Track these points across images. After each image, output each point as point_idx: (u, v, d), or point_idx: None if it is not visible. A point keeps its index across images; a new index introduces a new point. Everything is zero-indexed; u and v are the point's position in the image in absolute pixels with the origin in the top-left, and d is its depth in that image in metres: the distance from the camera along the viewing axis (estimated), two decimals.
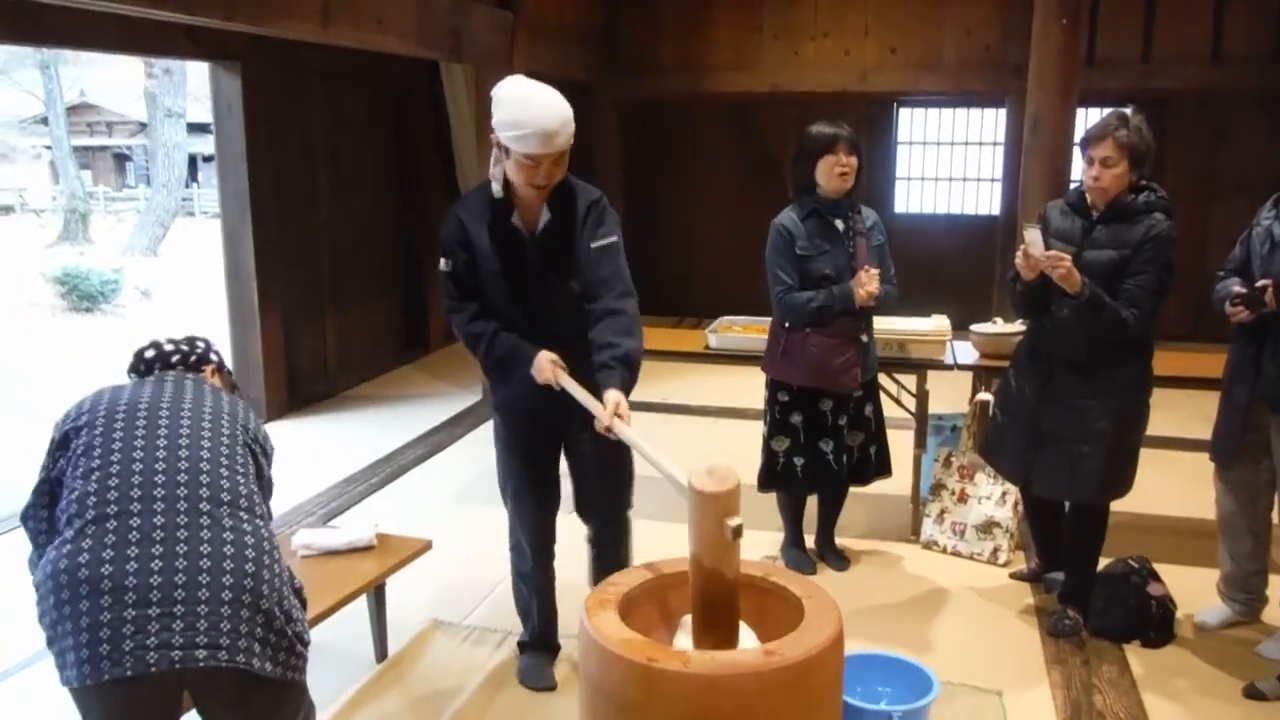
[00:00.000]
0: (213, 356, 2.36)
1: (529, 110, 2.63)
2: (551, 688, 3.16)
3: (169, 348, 2.30)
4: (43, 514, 2.08)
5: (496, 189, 2.79)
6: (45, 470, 2.09)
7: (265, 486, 2.23)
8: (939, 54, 7.87)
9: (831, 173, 3.62)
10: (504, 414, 3.04)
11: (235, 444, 2.13)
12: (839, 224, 3.69)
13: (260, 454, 2.22)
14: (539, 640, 3.24)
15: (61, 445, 2.08)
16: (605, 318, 2.78)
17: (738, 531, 2.02)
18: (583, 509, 3.12)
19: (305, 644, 2.09)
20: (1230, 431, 3.32)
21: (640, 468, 2.75)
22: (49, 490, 2.08)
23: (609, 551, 3.13)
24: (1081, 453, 3.29)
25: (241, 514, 2.04)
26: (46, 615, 1.91)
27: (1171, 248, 3.19)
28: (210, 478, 2.03)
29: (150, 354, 2.29)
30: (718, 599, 2.13)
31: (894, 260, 3.86)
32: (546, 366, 2.75)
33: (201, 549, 1.94)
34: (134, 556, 1.90)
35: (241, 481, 2.09)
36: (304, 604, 2.15)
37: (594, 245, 2.83)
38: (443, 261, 2.86)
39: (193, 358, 2.31)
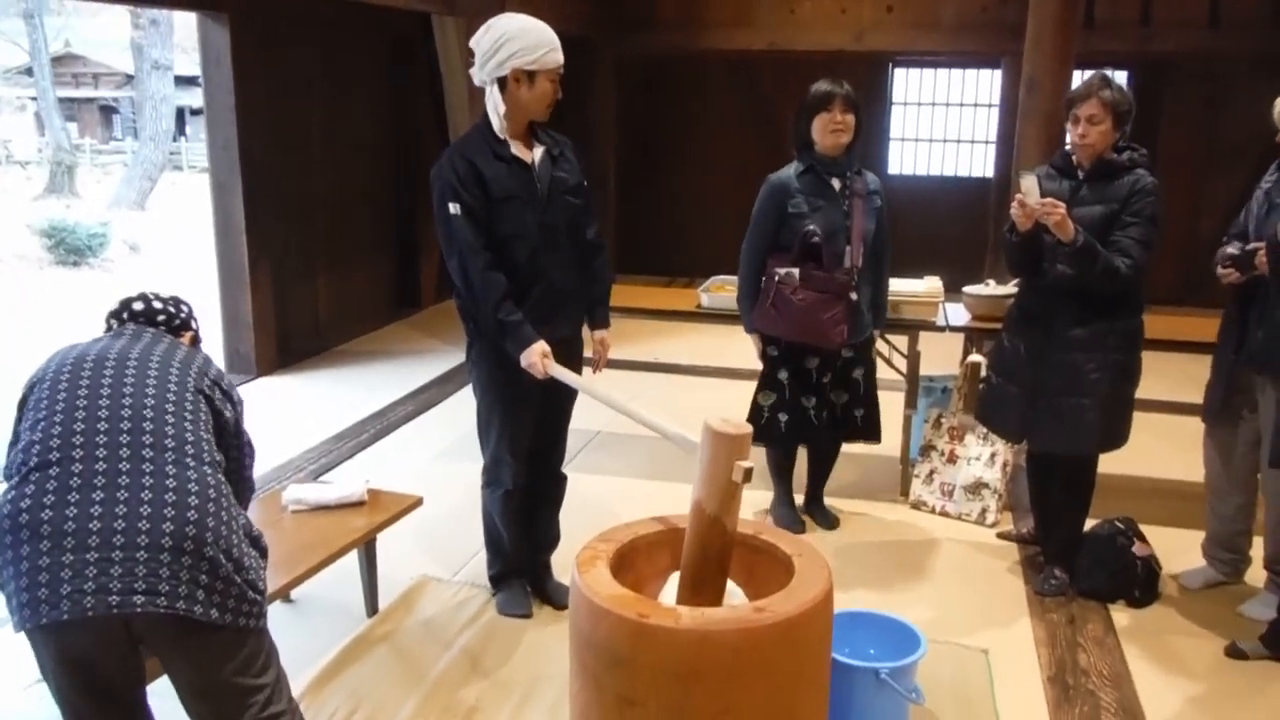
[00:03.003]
0: (193, 324, 2.36)
1: (541, 31, 2.93)
2: (528, 615, 3.32)
3: (157, 305, 2.29)
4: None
5: (499, 126, 2.99)
6: (14, 430, 2.10)
7: (230, 434, 2.21)
8: (936, 14, 7.79)
9: (826, 129, 3.60)
10: (498, 362, 3.07)
11: (184, 390, 2.11)
12: (835, 183, 3.67)
13: (221, 399, 2.19)
14: (514, 569, 3.38)
15: (22, 404, 2.10)
16: (596, 251, 3.26)
17: (748, 475, 2.05)
18: (554, 450, 3.37)
19: (259, 591, 2.06)
20: (1217, 392, 3.37)
21: (621, 426, 2.76)
22: (15, 441, 2.07)
23: (557, 498, 3.44)
24: (1080, 405, 3.33)
25: (187, 460, 2.02)
26: None
27: (1157, 200, 3.25)
28: (154, 424, 2.02)
29: (138, 305, 2.28)
30: (712, 553, 2.14)
31: (889, 224, 3.84)
32: (538, 359, 2.92)
33: (142, 495, 1.94)
34: (74, 502, 1.91)
35: (189, 428, 2.07)
36: (264, 553, 2.14)
37: (585, 182, 3.20)
38: (451, 206, 2.96)
39: (176, 321, 2.30)
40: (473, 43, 2.97)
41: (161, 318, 2.28)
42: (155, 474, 1.97)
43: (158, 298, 2.32)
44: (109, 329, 2.27)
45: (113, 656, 1.99)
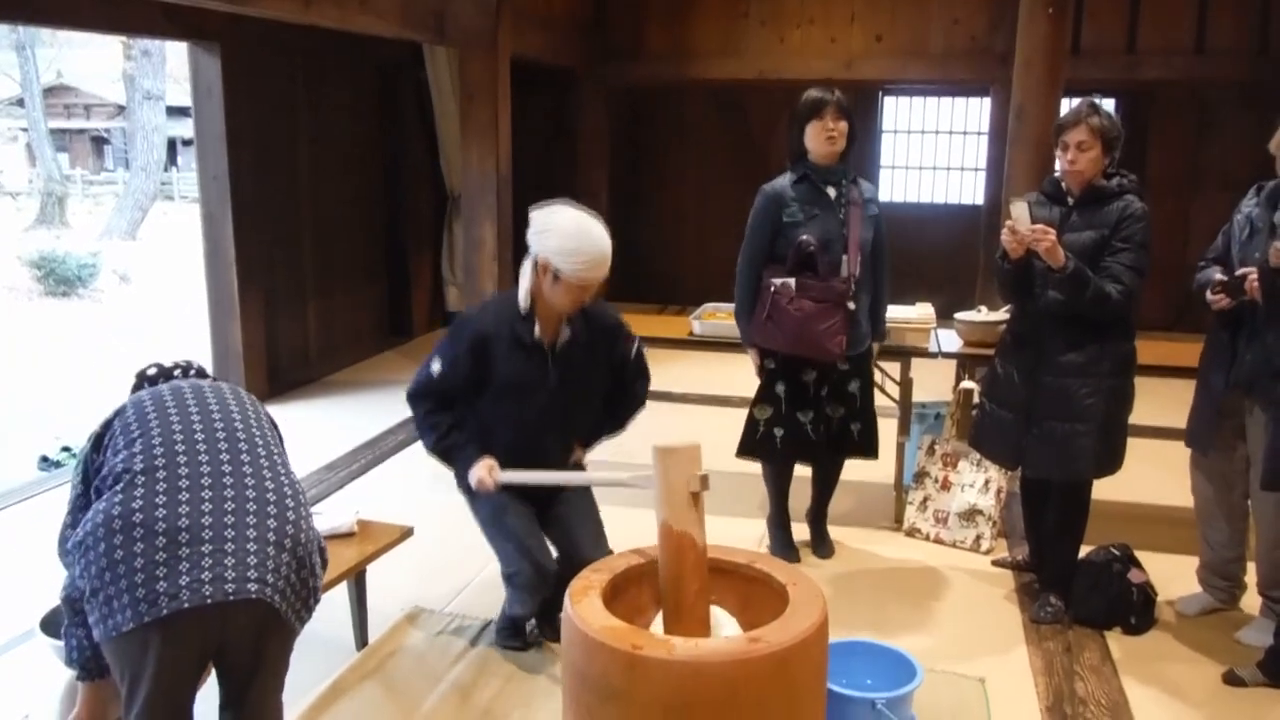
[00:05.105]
0: (207, 374, 2.52)
1: (589, 238, 2.82)
2: (522, 648, 3.27)
3: (169, 364, 2.46)
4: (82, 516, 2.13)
5: (524, 304, 2.93)
6: (82, 478, 2.18)
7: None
8: (925, 42, 7.86)
9: (819, 137, 3.59)
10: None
11: (259, 412, 2.33)
12: (830, 191, 3.65)
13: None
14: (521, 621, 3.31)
15: (95, 448, 2.18)
16: (629, 400, 3.21)
17: (705, 482, 2.12)
18: (579, 550, 3.06)
19: (317, 600, 2.19)
20: (1206, 418, 3.35)
21: (610, 458, 2.79)
22: (86, 493, 2.15)
23: None
24: (1074, 431, 3.33)
25: (278, 468, 2.20)
26: (94, 564, 1.96)
27: (1147, 226, 3.26)
28: (245, 433, 2.19)
29: (153, 371, 2.43)
30: (688, 570, 2.13)
31: (887, 232, 3.82)
32: (484, 474, 2.90)
33: (247, 494, 2.08)
34: (184, 500, 2.02)
35: (272, 442, 2.26)
36: (325, 564, 2.26)
37: (633, 355, 3.15)
38: (435, 363, 2.96)
39: (191, 371, 2.47)
40: (533, 210, 2.90)
41: (178, 371, 2.44)
42: (255, 476, 2.12)
43: (166, 360, 2.48)
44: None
45: (197, 664, 2.07)
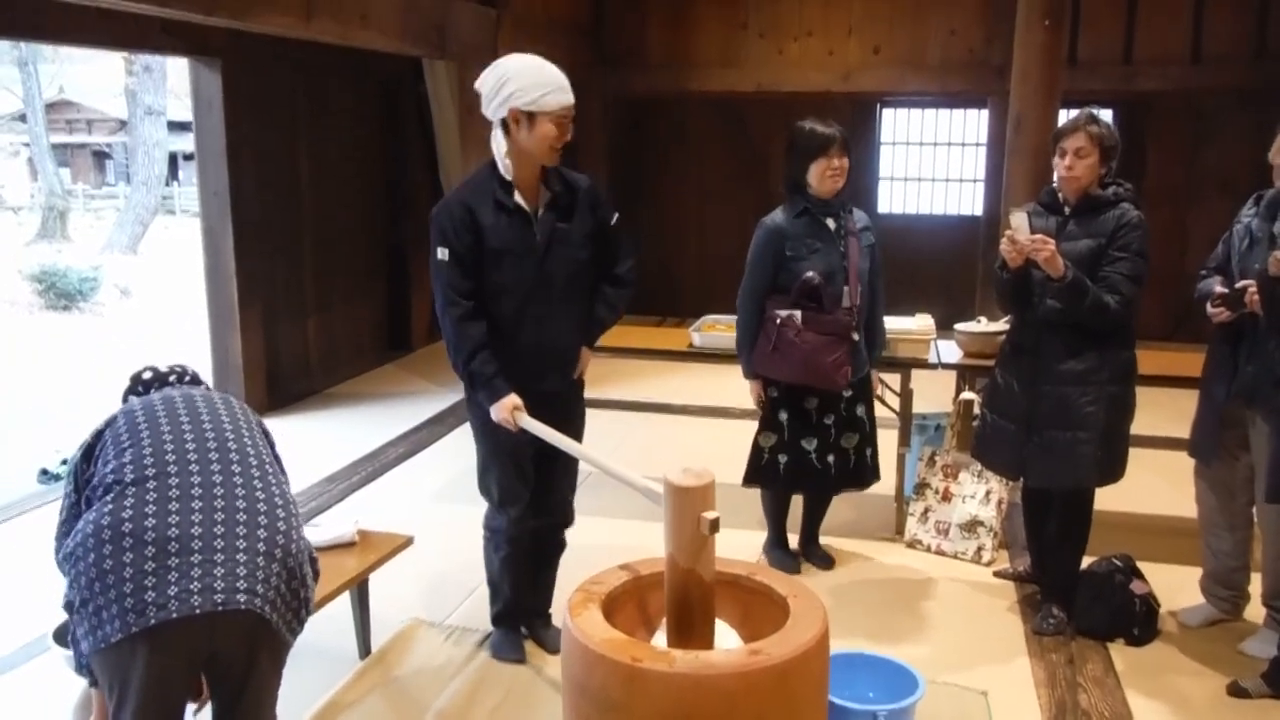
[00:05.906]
0: (201, 380, 2.51)
1: (545, 70, 2.86)
2: (521, 660, 3.27)
3: (164, 369, 2.45)
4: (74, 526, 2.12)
5: (504, 169, 2.92)
6: (73, 487, 2.18)
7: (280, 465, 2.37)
8: (923, 54, 7.89)
9: (824, 175, 3.60)
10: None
11: (251, 421, 2.32)
12: (831, 223, 3.67)
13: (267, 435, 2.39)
14: (512, 611, 3.33)
15: (85, 458, 2.18)
16: (615, 284, 3.16)
17: (715, 525, 2.05)
18: (551, 497, 3.24)
19: (309, 612, 2.18)
20: (1209, 429, 3.35)
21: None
22: (77, 502, 2.15)
23: (552, 553, 3.38)
24: (1076, 439, 3.32)
25: (269, 478, 2.18)
26: (84, 575, 1.95)
27: (1143, 234, 3.27)
28: (236, 443, 2.17)
29: (148, 375, 2.42)
30: (694, 602, 2.12)
31: (882, 259, 3.85)
32: (508, 414, 2.90)
33: (237, 504, 2.06)
34: (174, 511, 2.00)
35: (264, 452, 2.25)
36: (317, 575, 2.25)
37: (613, 221, 3.12)
38: (440, 251, 2.92)
39: (186, 377, 2.46)
40: (478, 84, 2.90)
41: (172, 377, 2.43)
42: (245, 486, 2.10)
43: (161, 364, 2.47)
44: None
45: (186, 675, 2.05)
